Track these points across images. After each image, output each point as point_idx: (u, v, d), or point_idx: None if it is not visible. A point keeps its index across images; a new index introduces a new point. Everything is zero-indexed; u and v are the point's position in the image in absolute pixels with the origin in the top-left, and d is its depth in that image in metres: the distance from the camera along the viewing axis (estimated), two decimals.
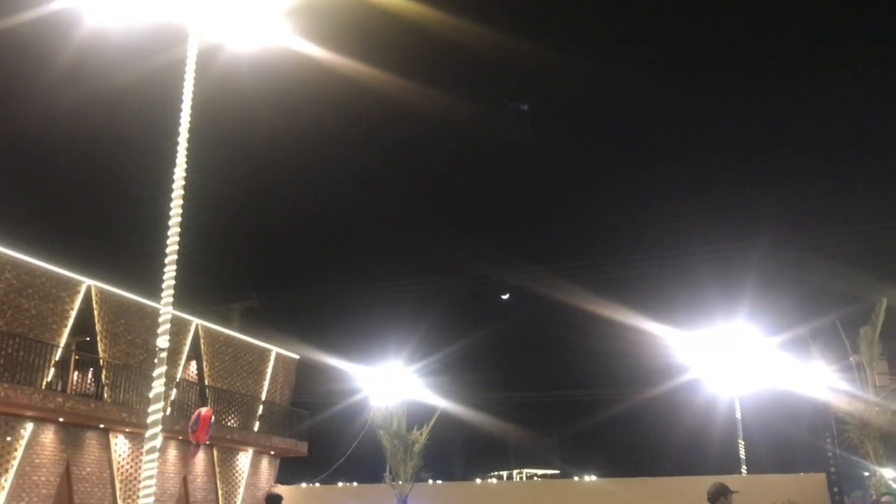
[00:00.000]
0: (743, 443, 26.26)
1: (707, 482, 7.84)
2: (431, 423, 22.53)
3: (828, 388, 17.66)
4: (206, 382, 24.70)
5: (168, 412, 21.56)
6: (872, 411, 15.61)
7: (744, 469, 26.16)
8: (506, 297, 37.73)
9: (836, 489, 21.74)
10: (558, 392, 37.37)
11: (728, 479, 8.14)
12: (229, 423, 24.83)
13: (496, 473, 41.61)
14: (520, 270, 36.12)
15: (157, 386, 10.12)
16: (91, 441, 19.87)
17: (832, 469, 21.82)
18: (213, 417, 17.46)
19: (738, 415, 26.29)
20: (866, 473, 19.44)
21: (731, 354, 25.98)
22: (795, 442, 28.82)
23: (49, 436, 18.64)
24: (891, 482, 16.59)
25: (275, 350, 28.37)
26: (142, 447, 10.60)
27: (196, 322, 24.63)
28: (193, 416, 17.32)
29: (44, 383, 18.19)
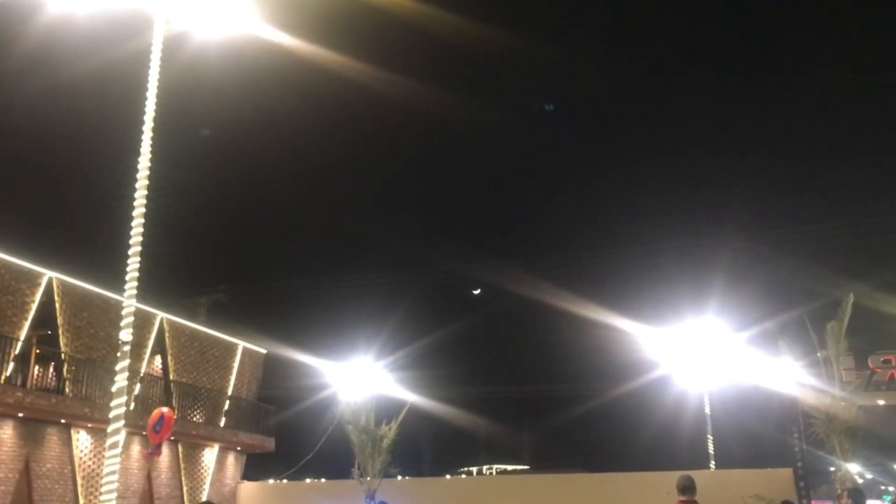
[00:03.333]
0: (712, 438, 26.58)
1: (677, 477, 7.97)
2: (400, 418, 22.76)
3: (795, 384, 17.92)
4: (171, 377, 24.45)
5: (131, 407, 21.25)
6: (838, 406, 15.91)
7: (712, 464, 26.52)
8: (477, 292, 37.77)
9: (802, 484, 22.07)
10: (529, 388, 37.71)
11: (696, 474, 8.35)
12: (195, 419, 24.60)
13: (466, 469, 41.80)
14: (491, 266, 36.20)
15: (120, 380, 10.05)
16: (52, 437, 19.59)
17: (799, 464, 22.15)
18: (174, 417, 17.60)
19: (707, 410, 26.59)
20: (832, 468, 19.83)
21: (700, 350, 26.24)
22: (763, 437, 29.53)
23: (8, 431, 18.35)
24: (856, 476, 16.94)
25: (242, 344, 28.19)
26: (104, 443, 10.49)
27: (161, 315, 24.37)
28: (156, 416, 17.31)
29: (3, 377, 17.89)
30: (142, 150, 11.04)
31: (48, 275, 19.90)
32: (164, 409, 17.63)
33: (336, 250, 43.09)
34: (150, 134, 11.26)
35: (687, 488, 7.69)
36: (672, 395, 29.13)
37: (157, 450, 18.18)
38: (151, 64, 11.39)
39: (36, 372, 19.89)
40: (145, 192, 10.82)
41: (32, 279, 19.54)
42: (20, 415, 18.35)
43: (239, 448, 27.15)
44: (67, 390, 19.73)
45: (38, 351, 19.81)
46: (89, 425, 20.28)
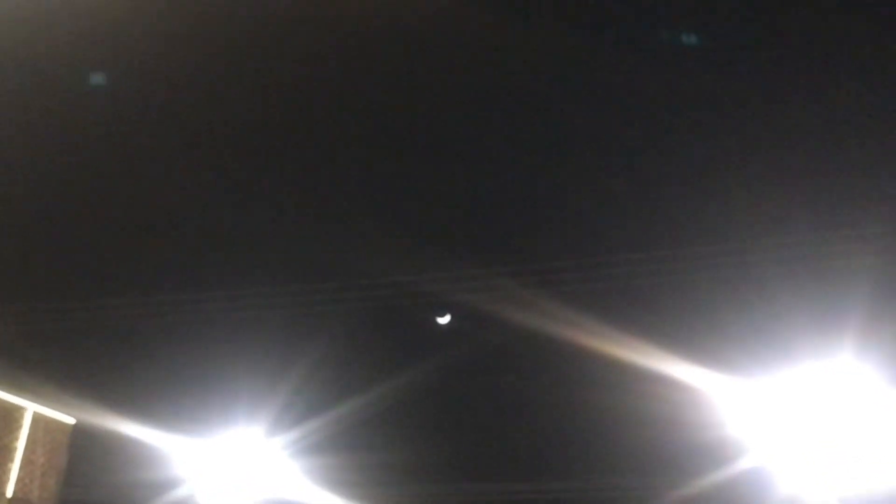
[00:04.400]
0: None
1: None
2: None
3: None
4: None
5: None
6: None
7: None
8: (444, 320, 36.18)
9: None
10: (530, 484, 36.02)
11: None
12: None
13: None
14: (470, 277, 34.27)
15: None
16: None
17: None
18: None
19: None
20: None
21: (823, 419, 25.49)
22: None
23: None
24: None
25: (32, 408, 26.54)
26: None
27: None
28: None
29: None
30: None
31: None
32: None
33: (200, 251, 40.79)
34: None
35: None
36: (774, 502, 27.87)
37: None
38: None
39: None
40: None
41: None
42: None
43: None
44: None
45: None
46: None
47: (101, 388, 29.60)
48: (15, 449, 25.87)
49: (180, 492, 27.23)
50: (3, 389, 25.79)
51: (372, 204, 42.95)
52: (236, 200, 38.09)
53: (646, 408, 30.85)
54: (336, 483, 29.05)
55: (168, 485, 27.52)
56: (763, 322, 31.48)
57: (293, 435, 28.08)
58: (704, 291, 33.45)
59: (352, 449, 31.25)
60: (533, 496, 36.49)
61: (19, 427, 26.06)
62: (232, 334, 33.70)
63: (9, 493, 25.31)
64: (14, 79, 29.11)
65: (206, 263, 39.75)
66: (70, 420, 27.58)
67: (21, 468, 25.77)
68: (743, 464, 27.68)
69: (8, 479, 25.42)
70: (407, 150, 42.86)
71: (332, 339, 33.41)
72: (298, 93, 41.25)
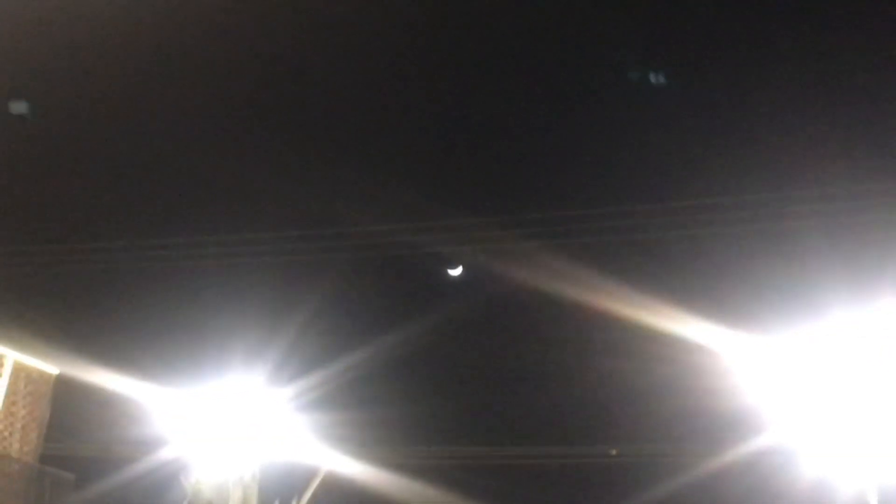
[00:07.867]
0: None
1: None
2: (306, 498, 23.57)
3: None
4: None
5: None
6: None
7: None
8: (455, 272, 35.60)
9: None
10: (541, 448, 35.72)
11: None
12: None
13: None
14: (479, 229, 33.21)
15: None
16: None
17: None
18: None
19: None
20: None
21: (856, 387, 23.90)
22: None
23: None
24: None
25: (12, 357, 26.06)
26: None
27: None
28: None
29: None
30: None
31: None
32: None
33: (201, 195, 40.21)
34: None
35: None
36: (802, 487, 26.04)
37: None
38: None
39: None
40: None
41: None
42: None
43: None
44: None
45: None
46: None
47: (87, 337, 29.56)
48: None
49: (170, 449, 26.91)
50: None
51: (383, 151, 42.50)
52: (233, 144, 37.62)
53: (662, 372, 30.48)
54: (335, 439, 28.67)
55: (159, 440, 27.27)
56: (786, 275, 30.54)
57: (296, 387, 27.54)
58: (725, 244, 32.68)
59: (352, 405, 31.07)
60: (539, 461, 36.03)
61: None
62: (232, 281, 33.42)
63: None
64: None
65: (200, 208, 39.38)
66: (53, 370, 27.14)
67: (0, 420, 25.43)
68: (765, 439, 26.71)
69: None
70: (415, 97, 42.35)
71: (334, 288, 33.31)
72: (290, 37, 40.82)
